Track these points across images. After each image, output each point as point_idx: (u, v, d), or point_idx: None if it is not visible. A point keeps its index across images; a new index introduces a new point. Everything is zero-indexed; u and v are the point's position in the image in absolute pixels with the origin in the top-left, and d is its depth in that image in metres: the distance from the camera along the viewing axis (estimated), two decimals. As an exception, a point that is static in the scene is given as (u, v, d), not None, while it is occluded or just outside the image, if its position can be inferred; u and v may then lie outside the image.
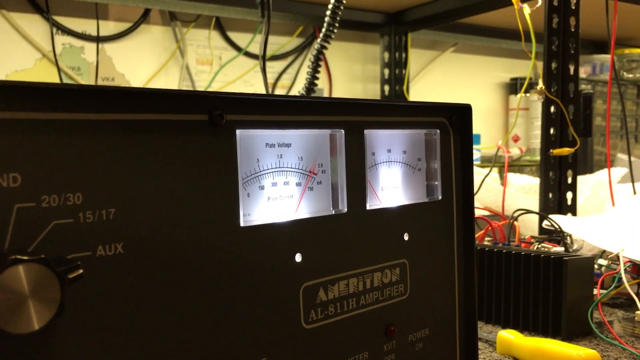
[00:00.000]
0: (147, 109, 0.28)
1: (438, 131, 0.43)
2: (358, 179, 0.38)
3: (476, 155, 1.60)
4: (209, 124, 0.31)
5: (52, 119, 0.25)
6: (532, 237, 0.97)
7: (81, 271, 0.24)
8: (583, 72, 1.90)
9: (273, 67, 1.57)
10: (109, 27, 1.35)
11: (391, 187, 0.41)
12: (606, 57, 1.87)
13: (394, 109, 0.41)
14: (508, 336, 0.56)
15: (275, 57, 1.57)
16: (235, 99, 0.32)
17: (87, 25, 1.32)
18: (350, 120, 0.38)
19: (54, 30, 1.28)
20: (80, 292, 0.26)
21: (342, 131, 0.37)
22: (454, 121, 0.44)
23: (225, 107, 0.31)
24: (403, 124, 0.41)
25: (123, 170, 0.27)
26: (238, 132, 0.32)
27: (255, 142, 0.33)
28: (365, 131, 0.39)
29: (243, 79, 1.51)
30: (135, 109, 0.28)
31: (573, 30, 1.05)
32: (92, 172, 0.26)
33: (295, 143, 0.35)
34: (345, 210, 0.37)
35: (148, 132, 0.28)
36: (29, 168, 0.25)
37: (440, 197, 0.44)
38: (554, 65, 1.04)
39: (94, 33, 1.31)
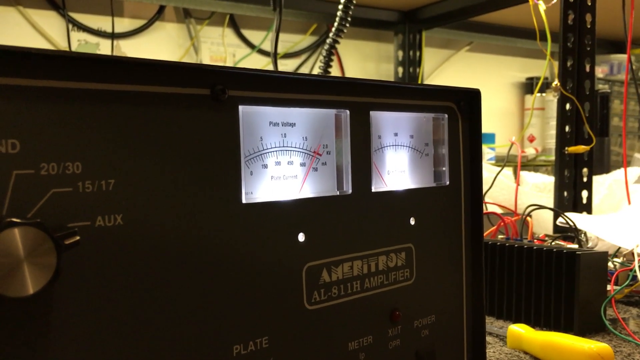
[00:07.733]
0: (148, 80, 0.28)
1: (446, 116, 0.43)
2: (363, 161, 0.38)
3: (491, 154, 1.58)
4: (211, 98, 0.30)
5: (54, 87, 0.25)
6: (547, 235, 0.96)
7: (78, 237, 0.24)
8: (600, 72, 1.87)
9: (286, 65, 1.57)
10: (124, 24, 1.36)
11: (398, 171, 0.41)
12: (624, 57, 1.85)
13: (400, 91, 0.40)
14: (518, 330, 0.55)
15: (288, 55, 1.57)
16: (238, 74, 0.32)
17: (102, 22, 1.33)
18: (356, 101, 0.37)
19: (70, 26, 1.29)
20: (78, 261, 0.26)
21: (347, 112, 0.37)
22: (462, 106, 0.44)
23: (227, 82, 0.31)
24: (410, 107, 0.41)
25: (124, 142, 0.27)
26: (241, 108, 0.32)
27: (259, 120, 0.33)
28: (371, 113, 0.38)
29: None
30: (137, 80, 0.28)
31: (589, 27, 1.04)
32: (92, 142, 0.26)
33: (300, 122, 0.35)
34: (350, 191, 0.37)
35: (149, 105, 0.28)
36: (28, 135, 0.25)
37: (447, 183, 0.43)
38: (569, 62, 1.02)
39: (109, 30, 1.32)
